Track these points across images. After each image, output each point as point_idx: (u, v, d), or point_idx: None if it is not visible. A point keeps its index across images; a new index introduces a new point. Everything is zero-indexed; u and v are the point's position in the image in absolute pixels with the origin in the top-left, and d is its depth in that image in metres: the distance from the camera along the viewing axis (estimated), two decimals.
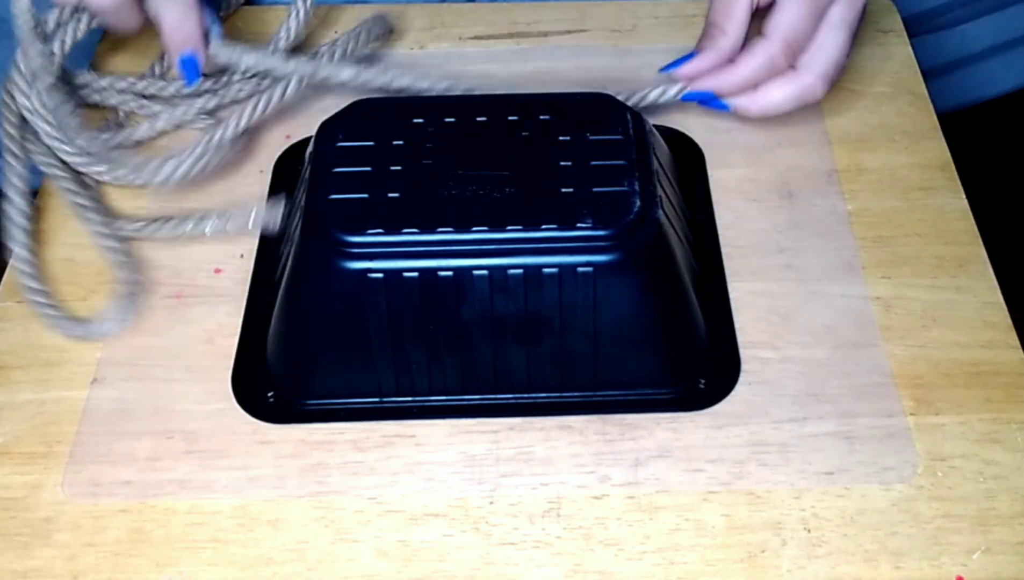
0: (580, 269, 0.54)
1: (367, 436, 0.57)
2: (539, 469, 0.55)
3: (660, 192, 0.57)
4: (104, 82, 0.72)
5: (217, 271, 0.64)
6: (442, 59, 0.76)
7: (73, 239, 0.66)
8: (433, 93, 0.69)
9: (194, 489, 0.55)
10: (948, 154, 0.69)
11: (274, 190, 0.68)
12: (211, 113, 0.71)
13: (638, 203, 0.55)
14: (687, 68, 0.69)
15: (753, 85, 0.68)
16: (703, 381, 0.58)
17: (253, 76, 0.71)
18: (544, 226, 0.54)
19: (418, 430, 0.57)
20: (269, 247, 0.64)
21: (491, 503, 0.54)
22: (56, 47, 0.68)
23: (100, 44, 0.76)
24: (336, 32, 0.77)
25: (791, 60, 0.67)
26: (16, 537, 0.53)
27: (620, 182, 0.56)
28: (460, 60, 0.76)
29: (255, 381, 0.59)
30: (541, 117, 0.59)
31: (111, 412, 0.58)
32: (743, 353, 0.59)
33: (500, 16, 0.79)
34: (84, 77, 0.72)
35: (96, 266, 0.64)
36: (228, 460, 0.56)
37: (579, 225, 0.54)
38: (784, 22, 0.66)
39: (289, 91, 0.69)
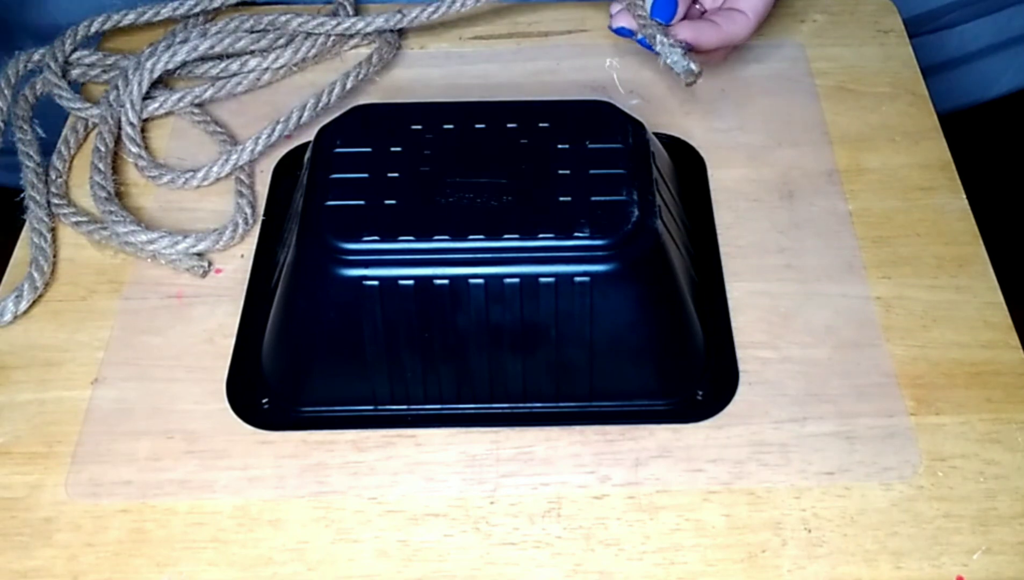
0: (577, 279, 0.53)
1: (367, 436, 0.57)
2: (539, 469, 0.55)
3: (659, 201, 0.56)
4: (110, 60, 0.74)
5: (218, 271, 0.64)
6: (442, 59, 0.76)
7: (73, 239, 0.66)
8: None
9: (194, 489, 0.55)
10: (948, 154, 0.69)
11: (273, 194, 0.68)
12: (200, 106, 0.72)
13: (636, 213, 0.54)
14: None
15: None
16: (700, 393, 0.58)
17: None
18: (541, 235, 0.53)
19: (418, 430, 0.57)
20: (266, 250, 0.64)
21: (491, 503, 0.54)
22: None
23: (108, 28, 0.76)
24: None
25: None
26: (16, 537, 0.53)
27: (618, 191, 0.55)
28: (460, 60, 0.76)
29: (250, 387, 0.59)
30: (540, 124, 0.59)
31: (112, 412, 0.58)
32: (743, 353, 0.59)
33: (500, 16, 0.79)
34: (92, 57, 0.74)
35: (97, 266, 0.64)
36: (228, 460, 0.56)
37: (576, 234, 0.53)
38: (761, 4, 0.69)
39: (305, 116, 0.70)
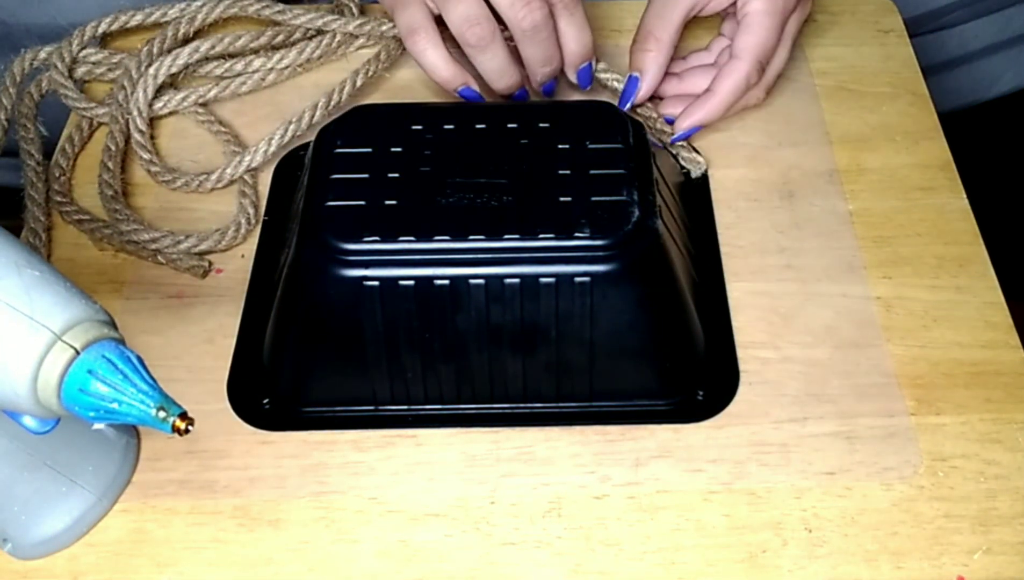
0: (577, 279, 0.53)
1: (367, 436, 0.57)
2: (539, 469, 0.55)
3: (659, 201, 0.56)
4: (116, 59, 0.74)
5: (218, 271, 0.64)
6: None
7: (73, 239, 0.66)
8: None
9: (195, 489, 0.55)
10: (948, 154, 0.69)
11: (274, 194, 0.68)
12: (204, 105, 0.72)
13: (636, 213, 0.54)
14: (643, 92, 0.69)
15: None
16: (701, 393, 0.58)
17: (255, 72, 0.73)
18: (541, 235, 0.53)
19: (419, 430, 0.57)
20: (267, 250, 0.64)
21: (492, 503, 0.54)
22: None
23: (115, 29, 0.76)
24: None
25: (760, 77, 0.69)
26: None
27: (619, 191, 0.55)
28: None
29: (251, 387, 0.59)
30: (540, 125, 0.59)
31: None
32: (743, 353, 0.59)
33: None
34: (98, 55, 0.74)
35: (97, 266, 0.64)
36: (228, 460, 0.56)
37: (577, 234, 0.53)
38: (756, 43, 0.67)
39: (317, 116, 0.70)
